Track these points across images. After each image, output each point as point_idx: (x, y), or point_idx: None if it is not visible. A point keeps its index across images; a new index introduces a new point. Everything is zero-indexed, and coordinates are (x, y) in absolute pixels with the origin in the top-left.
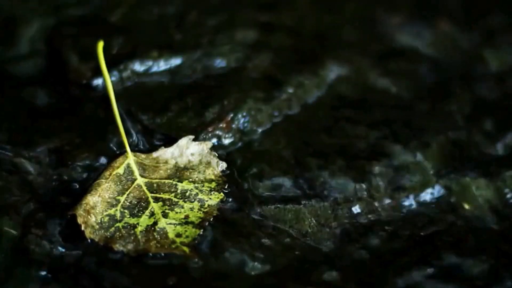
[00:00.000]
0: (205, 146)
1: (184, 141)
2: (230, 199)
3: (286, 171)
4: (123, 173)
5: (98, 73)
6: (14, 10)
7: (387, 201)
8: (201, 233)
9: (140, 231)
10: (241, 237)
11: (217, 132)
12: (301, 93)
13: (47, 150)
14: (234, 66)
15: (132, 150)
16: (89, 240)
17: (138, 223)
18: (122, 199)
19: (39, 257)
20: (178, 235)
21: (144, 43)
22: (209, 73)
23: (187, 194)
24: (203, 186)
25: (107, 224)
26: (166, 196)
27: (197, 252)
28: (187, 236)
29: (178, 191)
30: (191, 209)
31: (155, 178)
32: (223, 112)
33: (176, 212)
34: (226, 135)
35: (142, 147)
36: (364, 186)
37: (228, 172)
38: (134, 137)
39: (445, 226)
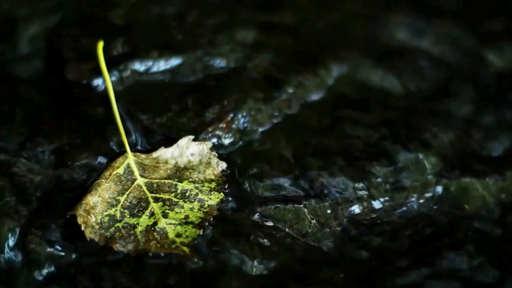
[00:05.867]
0: (205, 146)
1: (184, 141)
2: (230, 199)
3: (286, 171)
4: (123, 173)
5: (98, 73)
6: (14, 10)
7: (387, 201)
8: (201, 233)
9: (140, 231)
10: (241, 237)
11: (217, 132)
12: (301, 93)
13: (47, 150)
14: (234, 66)
15: (132, 150)
16: (89, 240)
17: (138, 223)
18: (122, 199)
19: (39, 257)
20: (178, 235)
21: (144, 43)
22: (209, 73)
23: (187, 194)
24: (203, 186)
25: (107, 224)
26: (166, 196)
27: (197, 252)
28: (187, 236)
29: (178, 191)
30: (191, 209)
31: (155, 178)
32: (223, 112)
33: (176, 212)
34: (226, 135)
35: (142, 147)
36: (364, 186)
37: (228, 172)
38: (134, 137)
39: (445, 226)
